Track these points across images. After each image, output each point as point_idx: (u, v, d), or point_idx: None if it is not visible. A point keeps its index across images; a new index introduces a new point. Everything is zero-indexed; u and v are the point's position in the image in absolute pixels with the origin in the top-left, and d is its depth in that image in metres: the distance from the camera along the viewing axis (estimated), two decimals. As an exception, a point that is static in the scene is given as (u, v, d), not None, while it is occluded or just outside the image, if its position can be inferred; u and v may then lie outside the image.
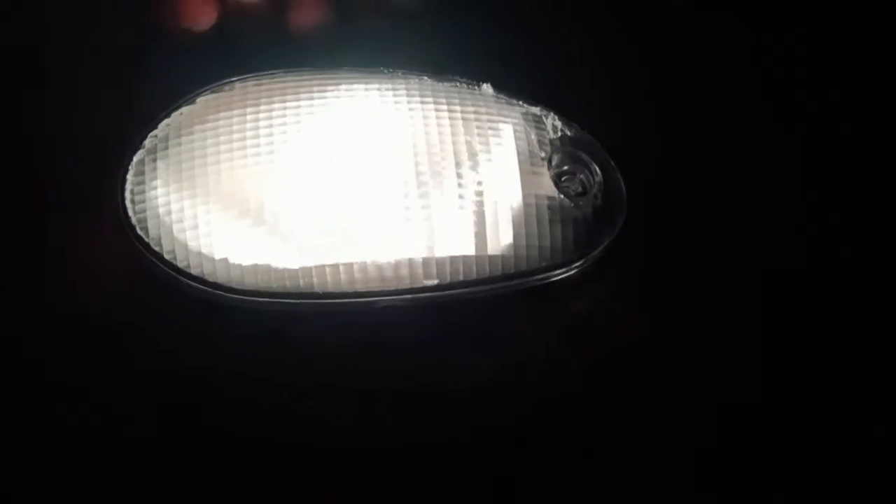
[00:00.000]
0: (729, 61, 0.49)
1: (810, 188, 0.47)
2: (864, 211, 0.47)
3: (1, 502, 0.43)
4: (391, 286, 0.43)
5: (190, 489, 0.43)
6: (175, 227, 0.43)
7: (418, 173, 0.43)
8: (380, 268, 0.43)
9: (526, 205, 0.44)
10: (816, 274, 0.46)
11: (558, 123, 0.46)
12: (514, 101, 0.46)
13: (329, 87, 0.45)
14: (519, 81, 0.46)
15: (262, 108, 0.44)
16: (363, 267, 0.43)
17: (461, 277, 0.43)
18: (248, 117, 0.44)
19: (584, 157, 0.46)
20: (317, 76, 0.45)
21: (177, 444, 0.43)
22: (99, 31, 0.47)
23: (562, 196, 0.45)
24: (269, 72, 0.45)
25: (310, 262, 0.42)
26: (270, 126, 0.44)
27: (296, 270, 0.42)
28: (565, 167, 0.46)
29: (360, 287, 0.43)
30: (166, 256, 0.43)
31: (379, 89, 0.45)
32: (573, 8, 0.48)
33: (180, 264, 0.43)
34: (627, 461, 0.43)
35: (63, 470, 0.43)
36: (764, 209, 0.46)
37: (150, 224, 0.43)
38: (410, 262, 0.43)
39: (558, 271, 0.44)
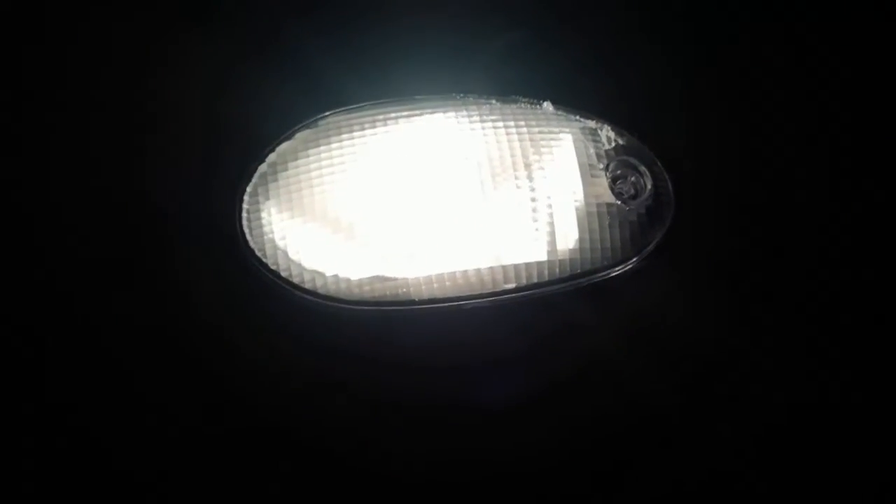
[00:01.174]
0: (762, 73, 0.54)
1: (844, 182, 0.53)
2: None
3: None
4: (476, 291, 0.49)
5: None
6: (290, 249, 0.50)
7: (494, 187, 0.50)
8: (466, 275, 0.49)
9: (588, 210, 0.50)
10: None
11: (612, 134, 0.52)
12: (572, 116, 0.52)
13: (410, 115, 0.51)
14: (576, 97, 0.52)
15: (355, 138, 0.50)
16: (452, 276, 0.49)
17: (535, 279, 0.50)
18: (344, 148, 0.50)
19: (636, 162, 0.52)
20: (397, 106, 0.51)
21: (299, 442, 0.51)
22: (208, 73, 0.52)
23: (618, 201, 0.51)
24: (356, 105, 0.51)
25: (406, 273, 0.49)
26: (361, 154, 0.50)
27: (395, 281, 0.49)
28: (619, 172, 0.52)
29: (450, 293, 0.50)
30: (282, 274, 0.50)
31: (455, 114, 0.51)
32: (622, 31, 0.53)
33: (295, 280, 0.50)
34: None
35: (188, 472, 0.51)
36: (799, 208, 0.52)
37: (267, 246, 0.50)
38: (491, 268, 0.50)
39: (618, 268, 0.51)
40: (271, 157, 0.50)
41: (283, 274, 0.50)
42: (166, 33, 0.53)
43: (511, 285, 0.49)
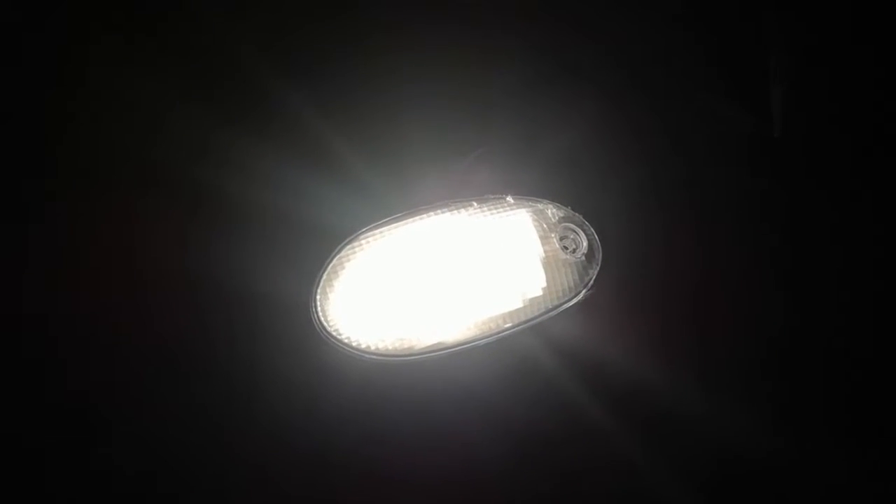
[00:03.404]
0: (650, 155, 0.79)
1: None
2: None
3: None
4: (484, 334, 0.73)
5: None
6: (351, 320, 0.72)
7: (483, 258, 0.73)
8: (476, 323, 0.73)
9: (546, 263, 0.75)
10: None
11: (554, 209, 0.76)
12: (527, 202, 0.76)
13: (423, 219, 0.74)
14: (527, 188, 0.76)
15: (388, 240, 0.73)
16: (464, 326, 0.73)
17: (524, 317, 0.73)
18: (383, 248, 0.73)
19: (572, 226, 0.76)
20: (415, 215, 0.74)
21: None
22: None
23: (565, 254, 0.75)
24: (389, 218, 0.73)
25: (436, 327, 0.72)
26: (392, 251, 0.73)
27: (429, 333, 0.72)
28: (563, 234, 0.76)
29: (462, 339, 0.73)
30: (344, 339, 0.72)
31: (451, 214, 0.74)
32: (555, 142, 0.78)
33: (354, 343, 0.72)
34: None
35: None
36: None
37: (340, 322, 0.72)
38: (493, 316, 0.73)
39: (573, 299, 0.75)
40: (333, 261, 0.72)
41: (345, 339, 0.72)
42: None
43: (508, 324, 0.73)
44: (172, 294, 0.75)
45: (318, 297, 0.72)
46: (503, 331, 0.73)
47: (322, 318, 0.72)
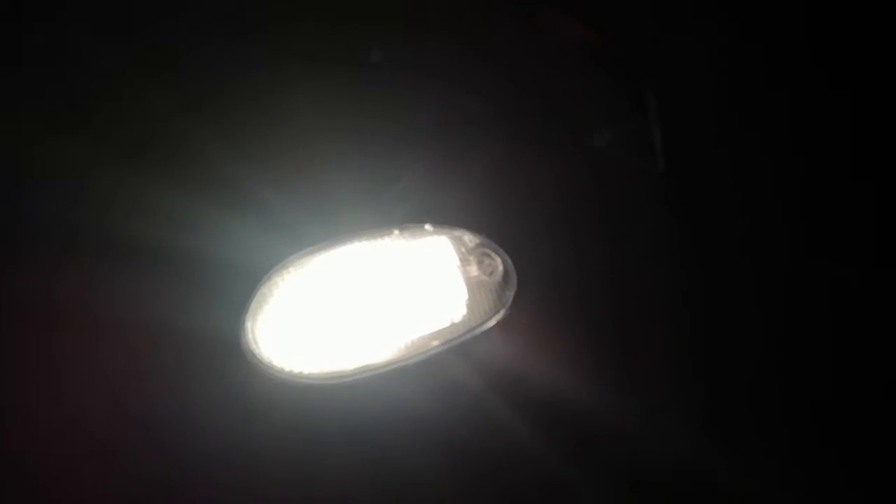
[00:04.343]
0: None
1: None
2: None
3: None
4: (415, 352, 0.76)
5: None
6: (280, 346, 0.73)
7: (405, 283, 0.77)
8: (406, 343, 0.76)
9: (468, 285, 0.79)
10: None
11: (470, 236, 0.81)
12: (444, 230, 0.80)
13: (349, 245, 0.77)
14: (444, 217, 0.80)
15: (315, 268, 0.75)
16: (391, 347, 0.75)
17: (449, 336, 0.77)
18: (310, 275, 0.75)
19: (488, 251, 0.81)
20: (341, 241, 0.76)
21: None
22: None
23: (484, 276, 0.80)
24: (314, 246, 0.76)
25: (363, 349, 0.75)
26: (318, 278, 0.75)
27: (357, 355, 0.75)
28: (481, 259, 0.80)
29: (390, 358, 0.76)
30: (275, 363, 0.73)
31: (372, 242, 0.77)
32: (468, 168, 0.83)
33: (284, 367, 0.73)
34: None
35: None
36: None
37: (270, 350, 0.73)
38: (416, 338, 0.76)
39: (493, 318, 0.79)
40: (262, 287, 0.74)
41: (277, 366, 0.73)
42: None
43: (436, 342, 0.76)
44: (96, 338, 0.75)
45: (247, 326, 0.74)
46: (430, 349, 0.77)
47: (252, 347, 0.73)
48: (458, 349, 0.77)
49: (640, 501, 0.80)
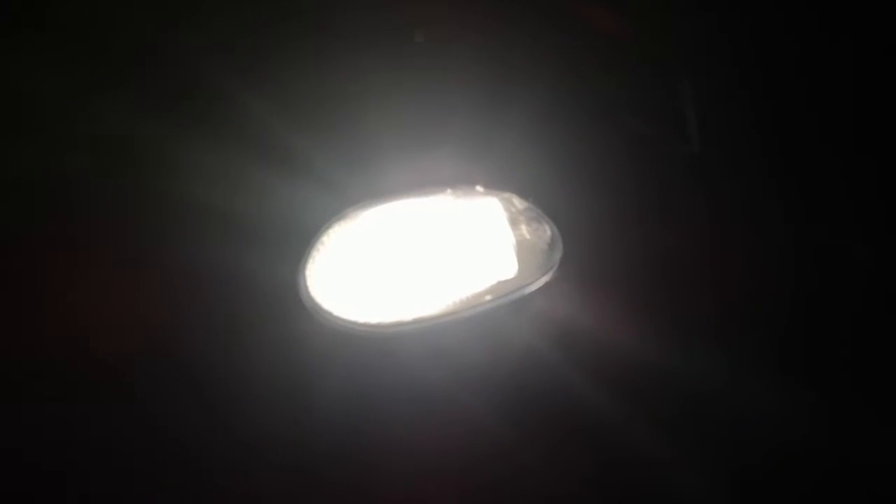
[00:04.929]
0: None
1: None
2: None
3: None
4: (465, 306, 0.77)
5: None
6: (338, 295, 0.74)
7: (460, 240, 0.79)
8: (456, 296, 0.77)
9: (517, 245, 0.80)
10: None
11: (518, 199, 0.83)
12: (495, 192, 0.82)
13: (403, 202, 0.78)
14: (495, 181, 0.82)
15: (373, 223, 0.77)
16: (444, 300, 0.77)
17: (501, 292, 0.78)
18: (370, 229, 0.76)
19: (537, 214, 0.83)
20: (395, 198, 0.78)
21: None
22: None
23: (532, 238, 0.82)
24: (366, 202, 0.77)
25: (420, 301, 0.76)
26: (377, 231, 0.77)
27: (414, 306, 0.76)
28: (529, 221, 0.82)
29: (445, 311, 0.77)
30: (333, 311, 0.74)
31: (428, 200, 0.79)
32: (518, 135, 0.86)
33: (341, 314, 0.74)
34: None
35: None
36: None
37: (327, 299, 0.74)
38: (469, 292, 0.78)
39: (542, 279, 0.81)
40: (321, 238, 0.75)
41: (336, 313, 0.74)
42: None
43: (489, 297, 0.78)
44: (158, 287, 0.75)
45: (305, 276, 0.75)
46: (482, 304, 0.78)
47: (310, 296, 0.74)
48: (510, 305, 0.79)
49: (689, 438, 0.81)
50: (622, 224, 0.86)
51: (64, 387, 0.74)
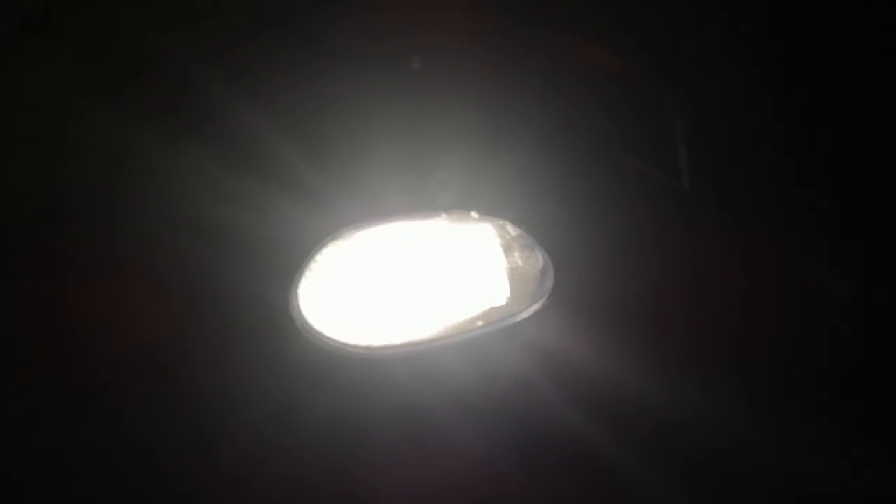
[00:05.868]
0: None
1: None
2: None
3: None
4: (456, 332, 0.77)
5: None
6: (329, 317, 0.74)
7: (452, 266, 0.79)
8: (448, 321, 0.77)
9: (510, 272, 0.81)
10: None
11: (514, 227, 0.83)
12: (490, 219, 0.83)
13: (396, 226, 0.78)
14: (488, 206, 0.83)
15: (364, 245, 0.77)
16: (433, 324, 0.77)
17: (492, 319, 0.78)
18: (360, 251, 0.76)
19: (529, 242, 0.83)
20: (389, 221, 0.78)
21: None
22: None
23: (525, 265, 0.82)
24: (360, 223, 0.77)
25: (408, 325, 0.76)
26: (367, 254, 0.77)
27: (402, 330, 0.75)
28: (522, 249, 0.83)
29: (433, 335, 0.77)
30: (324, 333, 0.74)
31: (420, 224, 0.79)
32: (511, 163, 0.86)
33: (332, 336, 0.74)
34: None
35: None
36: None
37: (318, 320, 0.73)
38: (458, 319, 0.78)
39: (532, 308, 0.81)
40: (317, 256, 0.75)
41: (326, 332, 0.74)
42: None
43: (480, 323, 0.78)
44: (145, 300, 0.74)
45: (296, 296, 0.74)
46: (474, 330, 0.78)
47: (301, 316, 0.74)
48: (501, 332, 0.79)
49: (681, 480, 0.80)
50: (614, 256, 0.86)
51: (48, 404, 0.73)
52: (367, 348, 0.74)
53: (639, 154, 0.96)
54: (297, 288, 0.74)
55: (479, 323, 0.78)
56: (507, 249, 0.82)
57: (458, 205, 0.82)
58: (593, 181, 0.90)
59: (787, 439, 0.83)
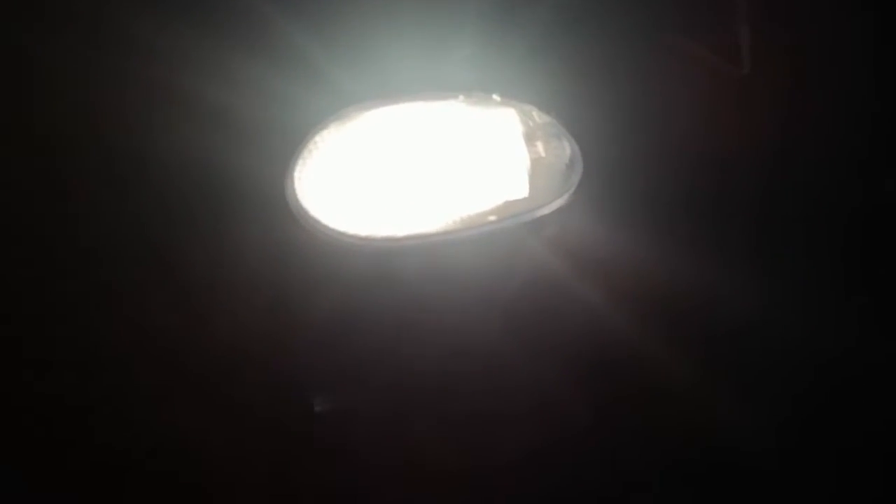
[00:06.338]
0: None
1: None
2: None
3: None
4: (466, 225, 0.71)
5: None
6: (327, 201, 0.68)
7: (466, 153, 0.71)
8: (454, 215, 0.70)
9: (531, 163, 0.73)
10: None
11: (541, 114, 0.75)
12: (513, 103, 0.74)
13: (406, 105, 0.71)
14: (514, 90, 0.74)
15: (369, 124, 0.70)
16: (445, 216, 0.70)
17: (507, 214, 0.71)
18: (363, 131, 0.69)
19: (557, 131, 0.75)
20: (395, 99, 0.71)
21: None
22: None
23: (549, 156, 0.74)
24: (367, 102, 0.70)
25: (416, 216, 0.69)
26: (373, 134, 0.70)
27: (409, 221, 0.69)
28: (548, 139, 0.75)
29: (443, 228, 0.71)
30: (322, 219, 0.68)
31: (435, 104, 0.72)
32: (543, 41, 0.77)
33: (330, 223, 0.68)
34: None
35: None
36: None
37: (316, 206, 0.68)
38: (472, 211, 0.71)
39: (556, 201, 0.74)
40: (314, 138, 0.68)
41: (325, 223, 0.68)
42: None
43: (493, 218, 0.71)
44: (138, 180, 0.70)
45: (292, 180, 0.69)
46: (485, 224, 0.71)
47: (298, 202, 0.69)
48: (515, 228, 0.72)
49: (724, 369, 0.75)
50: (653, 152, 0.78)
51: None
52: (367, 238, 0.69)
53: (689, 33, 0.85)
54: (294, 172, 0.68)
55: (493, 217, 0.71)
56: (530, 138, 0.74)
57: (478, 85, 0.74)
58: (636, 64, 0.80)
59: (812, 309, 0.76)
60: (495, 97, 0.74)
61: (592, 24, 0.79)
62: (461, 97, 0.73)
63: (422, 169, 0.71)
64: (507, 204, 0.72)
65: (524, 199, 0.73)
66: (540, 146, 0.74)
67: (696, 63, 0.84)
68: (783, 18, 0.81)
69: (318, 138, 0.69)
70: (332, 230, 0.68)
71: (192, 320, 0.69)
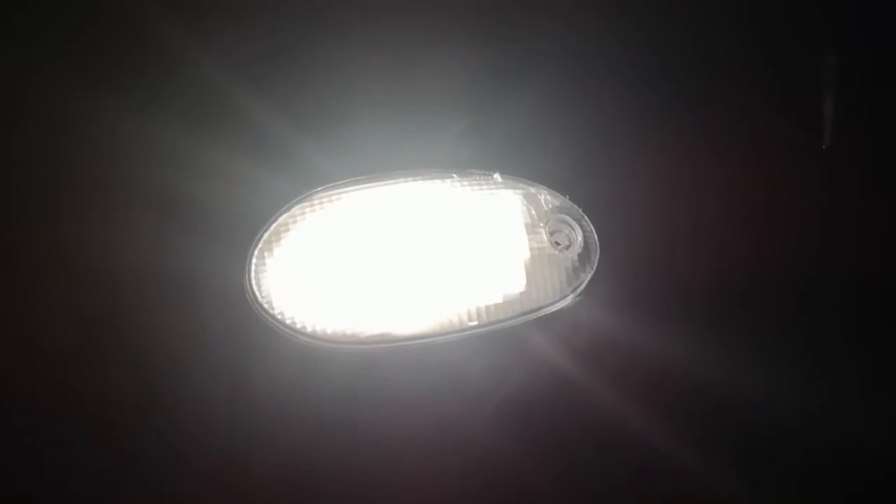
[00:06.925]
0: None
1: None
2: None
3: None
4: (446, 329, 0.61)
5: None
6: (290, 299, 0.61)
7: (458, 243, 0.62)
8: (438, 316, 0.61)
9: (532, 258, 0.63)
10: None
11: (548, 197, 0.65)
12: (517, 184, 0.64)
13: (386, 186, 0.62)
14: (519, 168, 0.64)
15: (343, 208, 0.62)
16: (427, 317, 0.61)
17: (494, 317, 0.62)
18: (334, 216, 0.61)
19: (568, 219, 0.65)
20: (375, 181, 0.62)
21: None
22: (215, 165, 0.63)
23: (555, 250, 0.64)
24: (342, 182, 0.62)
25: (388, 317, 0.61)
26: (347, 220, 0.62)
27: (379, 323, 0.61)
28: (555, 227, 0.64)
29: (425, 331, 0.62)
30: (285, 320, 0.61)
31: (422, 186, 0.63)
32: (554, 115, 0.66)
33: (296, 325, 0.61)
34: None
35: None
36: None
37: (272, 297, 0.60)
38: (458, 310, 0.62)
39: (557, 303, 0.63)
40: (275, 224, 0.61)
41: (287, 321, 0.61)
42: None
43: (474, 322, 0.61)
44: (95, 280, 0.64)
45: (252, 271, 0.61)
46: (467, 329, 0.62)
47: (257, 295, 0.61)
48: (504, 333, 0.62)
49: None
50: (682, 244, 0.66)
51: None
52: (328, 337, 0.61)
53: (764, 99, 0.71)
54: (254, 263, 0.61)
55: (474, 322, 0.61)
56: (533, 226, 0.64)
57: (475, 162, 0.64)
58: (677, 141, 0.68)
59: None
60: (496, 176, 0.64)
61: (616, 93, 0.68)
62: (454, 176, 0.64)
63: (402, 260, 0.62)
64: (498, 305, 0.62)
65: (518, 299, 0.62)
66: (543, 235, 0.64)
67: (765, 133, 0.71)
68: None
69: (286, 226, 0.61)
70: (290, 326, 0.61)
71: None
